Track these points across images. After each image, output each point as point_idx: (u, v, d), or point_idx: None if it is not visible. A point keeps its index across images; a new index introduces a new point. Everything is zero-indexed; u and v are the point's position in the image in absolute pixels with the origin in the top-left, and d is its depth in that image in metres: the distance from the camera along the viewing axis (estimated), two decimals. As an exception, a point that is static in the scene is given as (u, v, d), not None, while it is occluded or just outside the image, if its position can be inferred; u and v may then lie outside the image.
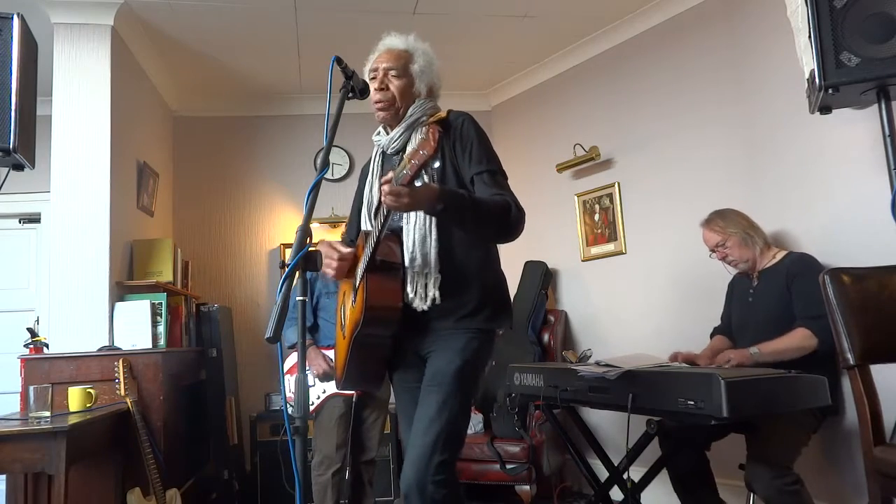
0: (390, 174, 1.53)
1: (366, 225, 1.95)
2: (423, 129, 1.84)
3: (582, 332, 4.19)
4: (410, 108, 1.89)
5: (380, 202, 1.64)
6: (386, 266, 1.76)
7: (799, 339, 2.45)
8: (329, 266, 1.79)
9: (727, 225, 2.73)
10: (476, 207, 1.69)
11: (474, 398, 1.86)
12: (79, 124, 3.31)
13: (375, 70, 1.90)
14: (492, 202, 1.74)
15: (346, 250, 1.82)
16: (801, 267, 2.58)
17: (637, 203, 3.87)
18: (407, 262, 1.77)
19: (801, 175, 2.99)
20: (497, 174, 1.83)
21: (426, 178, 1.78)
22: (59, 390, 2.82)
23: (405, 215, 1.79)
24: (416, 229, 1.77)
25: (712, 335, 2.95)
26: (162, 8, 3.49)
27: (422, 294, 1.75)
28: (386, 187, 1.52)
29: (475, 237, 1.81)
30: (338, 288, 2.14)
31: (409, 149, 1.86)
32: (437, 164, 1.80)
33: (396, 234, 1.82)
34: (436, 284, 1.75)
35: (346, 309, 1.94)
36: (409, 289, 1.76)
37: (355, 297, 1.81)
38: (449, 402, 1.71)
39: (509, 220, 1.75)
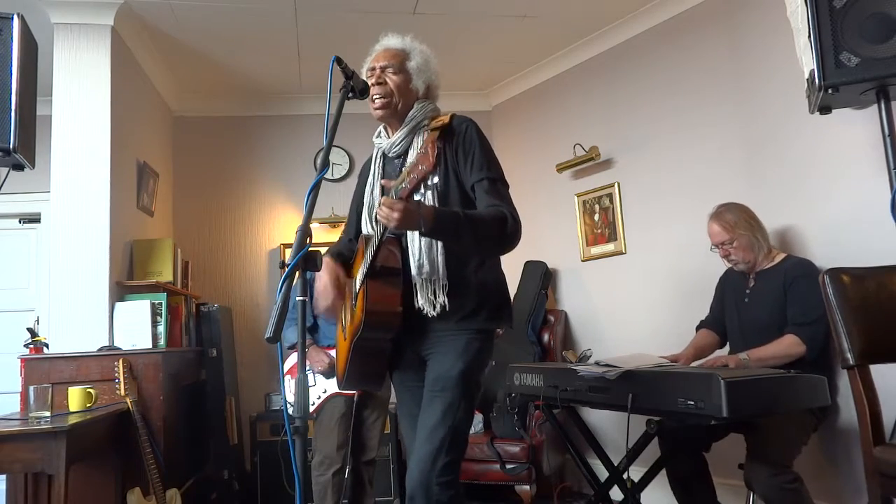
0: (385, 199, 1.55)
1: (365, 226, 1.95)
2: (424, 136, 1.84)
3: (582, 332, 4.19)
4: (411, 112, 1.89)
5: None
6: (386, 271, 1.76)
7: (786, 346, 2.49)
8: (324, 295, 1.80)
9: (738, 224, 2.67)
10: (472, 228, 1.67)
11: (478, 398, 1.87)
12: (79, 124, 3.31)
13: (373, 69, 1.91)
14: (489, 218, 1.72)
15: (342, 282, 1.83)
16: (799, 272, 2.58)
17: (637, 203, 3.87)
18: (414, 270, 1.77)
19: (800, 175, 2.99)
20: (497, 182, 1.81)
21: (429, 195, 1.79)
22: (59, 390, 2.82)
23: None
24: (422, 237, 1.75)
25: (698, 328, 2.95)
26: (162, 8, 3.49)
27: (431, 300, 1.76)
28: (384, 200, 1.54)
29: (470, 253, 1.80)
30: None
31: (410, 154, 1.86)
32: (436, 179, 1.79)
33: (397, 239, 1.82)
34: (444, 291, 1.76)
35: (347, 312, 1.94)
36: (419, 296, 1.76)
37: (356, 302, 1.82)
38: (453, 406, 1.73)
39: (505, 234, 1.73)
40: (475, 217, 1.70)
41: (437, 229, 1.62)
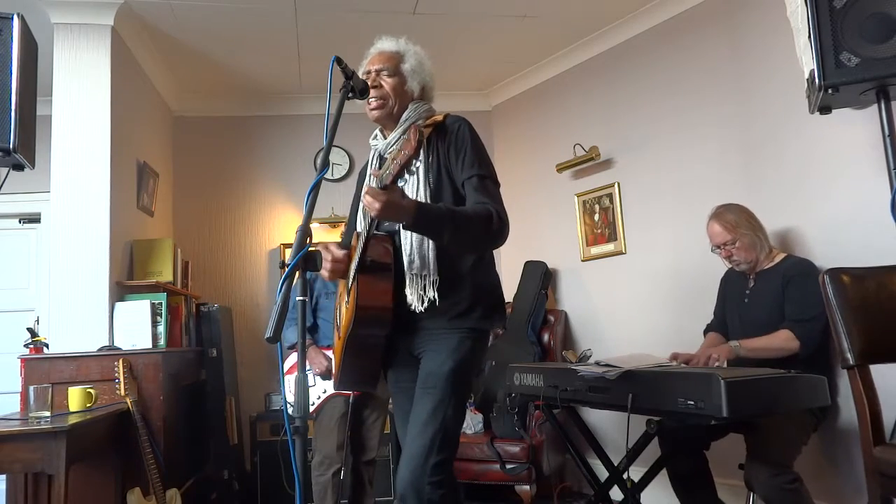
0: (369, 187, 1.56)
1: (360, 227, 1.95)
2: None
3: (582, 332, 4.19)
4: (405, 112, 1.91)
5: None
6: (376, 266, 1.76)
7: (781, 340, 2.48)
8: (324, 268, 1.79)
9: (739, 224, 2.67)
10: (457, 224, 1.67)
11: (469, 398, 1.87)
12: (79, 124, 3.31)
13: (368, 73, 1.93)
14: (474, 215, 1.72)
15: (340, 253, 1.82)
16: (797, 271, 2.59)
17: (637, 203, 3.87)
18: (405, 265, 1.78)
19: (800, 175, 2.99)
20: (487, 180, 1.82)
21: (421, 191, 1.79)
22: (59, 390, 2.82)
23: None
24: (404, 229, 1.75)
25: (706, 332, 2.96)
26: (162, 8, 3.49)
27: (420, 295, 1.76)
28: (368, 189, 1.55)
29: (454, 249, 1.79)
30: (337, 288, 2.15)
31: None
32: (418, 164, 1.80)
33: (391, 235, 1.83)
34: (434, 286, 1.76)
35: (342, 310, 1.95)
36: (408, 291, 1.76)
37: (349, 298, 1.82)
38: (443, 403, 1.72)
39: (490, 232, 1.73)
40: (460, 213, 1.71)
41: (420, 223, 1.62)
